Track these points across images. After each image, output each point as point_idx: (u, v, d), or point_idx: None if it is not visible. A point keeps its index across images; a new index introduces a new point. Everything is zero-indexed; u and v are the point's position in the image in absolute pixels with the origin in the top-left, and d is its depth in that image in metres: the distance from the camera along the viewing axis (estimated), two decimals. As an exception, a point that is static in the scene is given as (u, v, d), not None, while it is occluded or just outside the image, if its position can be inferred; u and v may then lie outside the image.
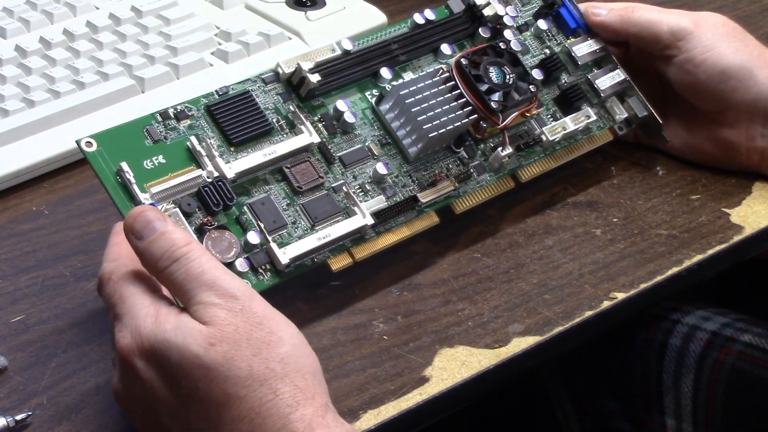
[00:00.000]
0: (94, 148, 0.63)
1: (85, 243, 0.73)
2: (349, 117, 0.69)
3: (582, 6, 0.79)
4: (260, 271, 0.64)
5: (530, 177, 0.75)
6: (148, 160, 0.64)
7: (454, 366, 0.66)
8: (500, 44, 0.73)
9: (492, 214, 0.76)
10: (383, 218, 0.69)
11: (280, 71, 0.69)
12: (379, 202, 0.69)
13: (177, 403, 0.55)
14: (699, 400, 0.80)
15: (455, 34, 0.75)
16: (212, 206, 0.64)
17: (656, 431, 0.82)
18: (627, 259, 0.73)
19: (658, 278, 0.72)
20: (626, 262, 0.73)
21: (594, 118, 0.76)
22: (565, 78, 0.77)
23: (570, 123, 0.75)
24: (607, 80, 0.78)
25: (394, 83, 0.72)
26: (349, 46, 0.71)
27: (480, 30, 0.75)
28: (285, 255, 0.64)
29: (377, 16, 0.93)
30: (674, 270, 0.72)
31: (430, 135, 0.69)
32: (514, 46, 0.75)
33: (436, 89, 0.70)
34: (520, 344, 0.67)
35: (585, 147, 0.77)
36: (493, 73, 0.72)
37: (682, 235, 0.75)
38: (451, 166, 0.72)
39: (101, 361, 0.65)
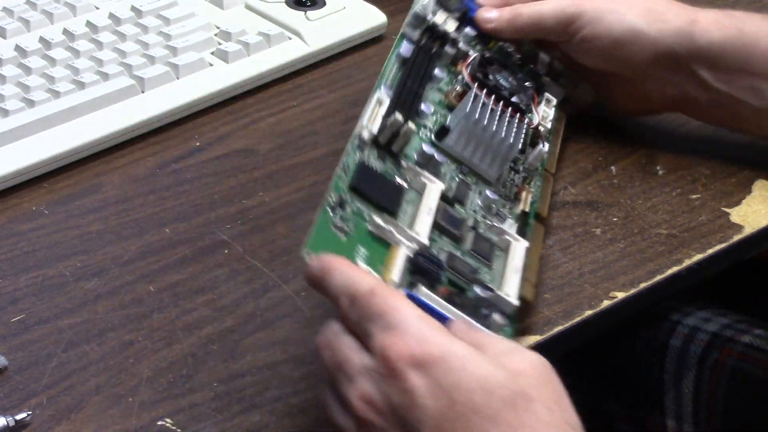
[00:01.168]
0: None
1: (85, 243, 0.73)
2: (440, 158, 0.68)
3: (477, 13, 0.80)
4: (505, 321, 0.63)
5: (553, 166, 0.77)
6: (358, 257, 0.60)
7: (454, 365, 0.65)
8: (485, 53, 0.75)
9: (492, 214, 0.76)
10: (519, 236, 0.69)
11: (366, 135, 0.66)
12: (511, 225, 0.69)
13: (454, 417, 0.52)
14: (700, 401, 0.80)
15: (435, 57, 0.75)
16: (434, 275, 0.61)
17: None
18: (627, 258, 0.73)
19: (658, 277, 0.72)
20: (626, 262, 0.73)
21: (555, 101, 0.79)
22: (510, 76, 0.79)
23: (547, 110, 0.79)
24: (541, 65, 0.81)
25: (452, 115, 0.71)
26: (389, 91, 0.70)
27: (446, 48, 0.76)
28: (510, 297, 0.63)
29: (377, 16, 0.93)
30: (674, 269, 0.72)
31: (514, 151, 0.71)
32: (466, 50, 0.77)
33: (487, 109, 0.71)
34: (520, 344, 0.67)
35: (559, 131, 0.80)
36: (501, 79, 0.74)
37: (682, 235, 0.75)
38: (514, 176, 0.73)
39: (101, 361, 0.65)
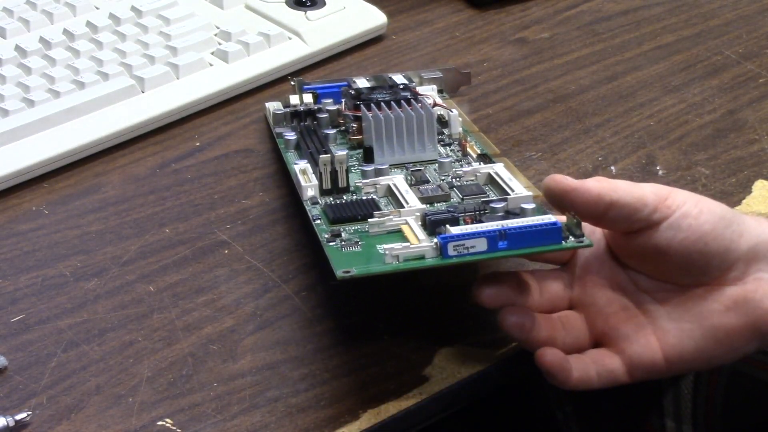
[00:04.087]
0: (354, 271, 0.60)
1: (85, 243, 0.73)
2: (381, 167, 0.70)
3: (555, 182, 0.64)
4: None
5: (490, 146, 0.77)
6: (380, 249, 0.62)
7: (454, 365, 0.66)
8: (350, 91, 0.77)
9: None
10: None
11: (312, 192, 0.68)
12: (477, 165, 0.71)
13: None
14: (698, 401, 0.80)
15: (317, 126, 0.77)
16: (452, 219, 0.62)
17: (656, 432, 0.82)
18: (627, 259, 0.73)
19: (658, 278, 0.72)
20: (626, 262, 0.72)
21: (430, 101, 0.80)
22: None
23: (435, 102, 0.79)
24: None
25: (365, 139, 0.73)
26: (306, 161, 0.72)
27: (319, 116, 0.78)
28: (523, 192, 0.66)
29: (377, 16, 0.93)
30: (674, 270, 0.72)
31: (430, 126, 0.72)
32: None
33: (384, 112, 0.73)
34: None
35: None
36: (378, 95, 0.76)
37: (682, 235, 0.75)
38: (450, 147, 0.75)
39: (101, 361, 0.65)
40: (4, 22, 0.87)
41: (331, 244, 0.63)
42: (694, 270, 0.63)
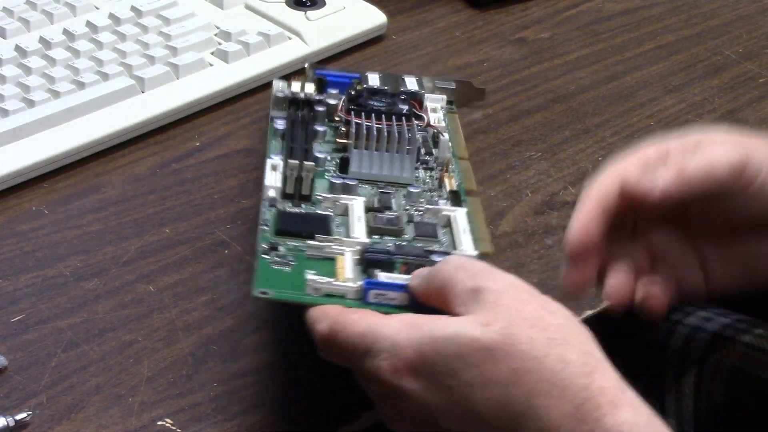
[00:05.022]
0: (272, 293, 0.60)
1: (85, 243, 0.73)
2: (350, 182, 0.69)
3: (626, 170, 0.63)
4: None
5: (464, 154, 0.76)
6: (305, 275, 0.61)
7: (454, 366, 0.65)
8: (351, 91, 0.76)
9: (491, 214, 0.76)
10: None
11: (273, 193, 0.67)
12: (443, 205, 0.69)
13: (458, 399, 0.52)
14: (700, 400, 0.80)
15: (311, 119, 0.76)
16: (386, 262, 0.62)
17: None
18: (627, 258, 0.73)
19: (659, 278, 0.72)
20: (626, 262, 0.72)
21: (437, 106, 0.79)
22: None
23: (438, 112, 0.77)
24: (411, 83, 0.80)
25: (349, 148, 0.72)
26: (281, 157, 0.70)
27: (317, 108, 0.76)
28: (467, 252, 0.65)
29: (377, 16, 0.93)
30: (674, 270, 0.72)
31: (412, 149, 0.71)
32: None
33: (372, 126, 0.72)
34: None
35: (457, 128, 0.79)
36: (376, 103, 0.75)
37: (683, 235, 0.75)
38: (431, 173, 0.73)
39: (101, 361, 0.65)
40: (4, 22, 0.87)
41: (264, 256, 0.62)
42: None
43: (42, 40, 0.85)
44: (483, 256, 0.64)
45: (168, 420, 0.62)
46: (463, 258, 0.58)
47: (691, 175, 0.61)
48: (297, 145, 0.72)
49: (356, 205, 0.68)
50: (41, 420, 0.61)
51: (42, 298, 0.69)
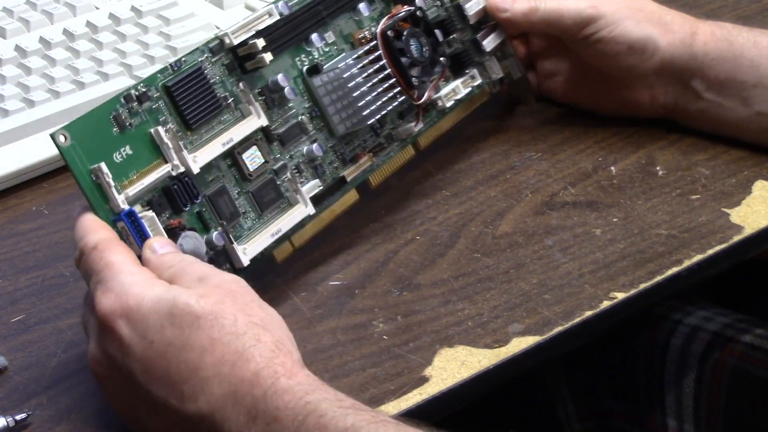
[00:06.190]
0: (68, 142, 0.61)
1: (85, 243, 0.73)
2: (289, 93, 0.69)
3: None
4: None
5: (428, 143, 0.77)
6: (117, 153, 0.62)
7: (454, 366, 0.65)
8: (417, 12, 0.74)
9: (491, 215, 0.76)
10: (318, 202, 0.69)
11: (227, 41, 0.66)
12: (315, 186, 0.69)
13: (154, 355, 0.56)
14: (701, 400, 0.80)
15: None
16: (181, 205, 0.63)
17: None
18: (627, 258, 0.73)
19: (658, 278, 0.72)
20: (626, 262, 0.73)
21: (479, 81, 0.79)
22: (455, 35, 0.79)
23: (461, 87, 0.78)
24: (491, 41, 0.80)
25: (328, 62, 0.71)
26: (285, 10, 0.69)
27: None
28: (245, 256, 0.65)
29: None
30: (674, 270, 0.72)
31: (368, 121, 0.70)
32: (419, 2, 0.75)
33: (370, 69, 0.70)
34: (519, 344, 0.67)
35: (468, 108, 0.80)
36: (413, 46, 0.73)
37: (682, 235, 0.75)
38: (366, 136, 0.73)
39: (101, 361, 0.65)
40: (4, 22, 0.87)
41: (120, 102, 0.62)
42: (600, 70, 0.81)
43: (42, 40, 0.85)
44: (270, 260, 0.67)
45: (168, 420, 0.62)
46: (193, 259, 0.61)
47: (540, 17, 0.79)
48: (313, 13, 0.71)
49: (251, 123, 0.67)
50: (41, 420, 0.61)
51: (42, 298, 0.69)
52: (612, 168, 0.80)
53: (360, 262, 0.72)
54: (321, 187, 0.70)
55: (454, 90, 0.77)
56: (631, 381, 0.84)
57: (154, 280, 0.58)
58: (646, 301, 0.71)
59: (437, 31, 0.76)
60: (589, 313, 0.69)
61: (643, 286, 0.71)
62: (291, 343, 0.58)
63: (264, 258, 0.67)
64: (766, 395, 0.79)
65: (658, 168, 0.80)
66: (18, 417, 0.60)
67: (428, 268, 0.72)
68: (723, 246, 0.74)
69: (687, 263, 0.73)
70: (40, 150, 0.77)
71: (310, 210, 0.68)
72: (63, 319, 0.67)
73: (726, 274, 0.77)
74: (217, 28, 0.89)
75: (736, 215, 0.76)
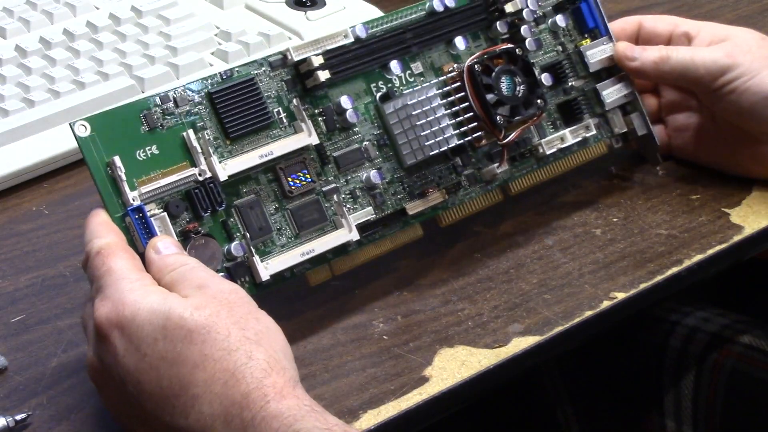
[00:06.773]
0: (88, 132, 0.61)
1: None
2: (351, 116, 0.67)
3: (618, 47, 0.76)
4: (239, 283, 0.63)
5: (520, 190, 0.73)
6: (141, 150, 0.62)
7: (454, 366, 0.65)
8: (516, 50, 0.70)
9: (491, 214, 0.76)
10: (369, 230, 0.67)
11: (289, 57, 0.66)
12: (367, 214, 0.67)
13: (146, 368, 0.56)
14: (699, 401, 0.80)
15: (471, 25, 0.72)
16: (201, 210, 0.62)
17: (656, 432, 0.82)
18: (627, 258, 0.73)
19: (658, 278, 0.72)
20: (626, 262, 0.73)
21: (594, 132, 0.75)
22: (572, 82, 0.75)
23: (569, 136, 0.74)
24: (614, 92, 0.76)
25: (406, 90, 0.69)
26: (363, 33, 0.68)
27: (497, 24, 0.72)
28: (266, 270, 0.63)
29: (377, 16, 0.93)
30: (674, 270, 0.72)
31: (431, 152, 0.68)
32: (529, 45, 0.72)
33: (444, 101, 0.68)
34: (520, 344, 0.67)
35: (578, 159, 0.75)
36: (504, 83, 0.69)
37: (682, 235, 0.75)
38: (443, 173, 0.70)
39: (101, 361, 0.65)
40: (4, 22, 0.87)
41: (155, 102, 0.62)
42: (735, 124, 0.76)
43: (42, 40, 0.85)
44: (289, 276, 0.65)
45: (168, 420, 0.62)
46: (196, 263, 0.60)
47: (672, 66, 0.75)
48: (397, 41, 0.69)
49: (300, 139, 0.65)
50: (41, 420, 0.61)
51: (42, 298, 0.69)
52: (612, 168, 0.80)
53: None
54: (373, 215, 0.67)
55: (561, 138, 0.74)
56: (630, 382, 0.84)
57: (151, 288, 0.58)
58: (646, 301, 0.71)
59: (546, 75, 0.72)
60: (589, 313, 0.69)
61: (643, 286, 0.71)
62: (285, 358, 0.57)
63: (294, 277, 0.65)
64: (764, 396, 0.79)
65: (658, 168, 0.80)
66: (18, 417, 0.60)
67: (428, 268, 0.72)
68: (723, 246, 0.74)
69: (687, 263, 0.73)
70: (40, 150, 0.78)
71: (354, 236, 0.66)
72: (63, 319, 0.67)
73: (726, 275, 0.77)
74: (217, 28, 0.89)
75: (736, 215, 0.76)
